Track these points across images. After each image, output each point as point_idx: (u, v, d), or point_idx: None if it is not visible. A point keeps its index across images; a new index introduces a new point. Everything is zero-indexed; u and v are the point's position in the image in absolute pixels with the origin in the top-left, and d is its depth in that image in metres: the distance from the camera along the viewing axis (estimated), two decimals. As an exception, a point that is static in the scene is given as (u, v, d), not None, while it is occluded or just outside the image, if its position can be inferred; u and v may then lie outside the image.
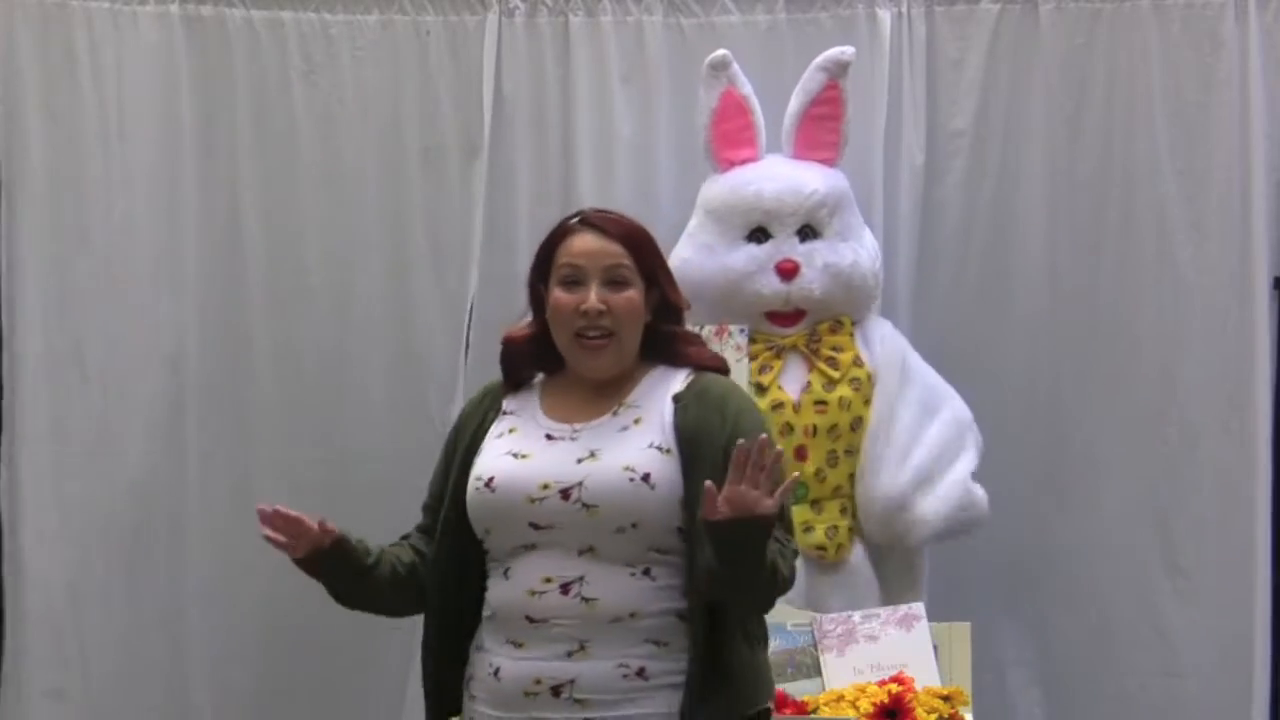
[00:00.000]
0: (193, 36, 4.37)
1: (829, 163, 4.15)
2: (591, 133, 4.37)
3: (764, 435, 2.50)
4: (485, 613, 2.75)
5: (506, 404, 2.82)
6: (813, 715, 3.46)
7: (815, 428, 4.00)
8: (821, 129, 4.13)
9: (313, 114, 4.39)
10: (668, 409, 2.72)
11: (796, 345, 4.06)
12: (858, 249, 4.11)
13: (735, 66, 4.14)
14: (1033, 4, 4.34)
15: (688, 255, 4.08)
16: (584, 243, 2.74)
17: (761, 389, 3.99)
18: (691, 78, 4.31)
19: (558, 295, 2.74)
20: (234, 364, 4.40)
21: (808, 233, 4.07)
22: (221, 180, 4.38)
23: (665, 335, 2.80)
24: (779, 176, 4.10)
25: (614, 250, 2.73)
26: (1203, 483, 4.29)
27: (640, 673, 2.63)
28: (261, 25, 4.39)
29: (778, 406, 3.99)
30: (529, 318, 2.85)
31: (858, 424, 4.04)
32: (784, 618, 3.54)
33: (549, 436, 2.74)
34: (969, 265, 4.38)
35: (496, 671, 2.68)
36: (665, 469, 2.66)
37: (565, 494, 2.66)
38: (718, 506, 2.49)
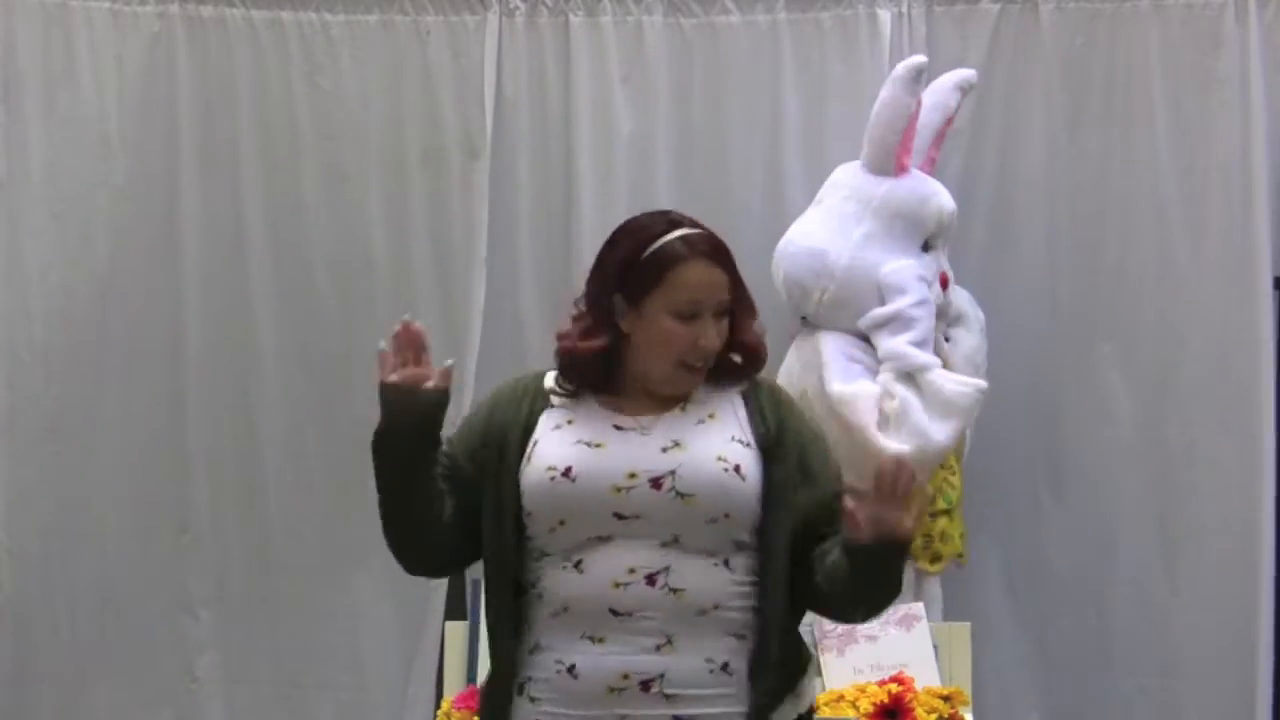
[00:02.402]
0: (193, 36, 4.37)
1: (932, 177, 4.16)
2: (591, 133, 4.37)
3: (902, 458, 2.54)
4: (546, 610, 2.63)
5: (554, 399, 2.72)
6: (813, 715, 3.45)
7: None
8: (937, 145, 4.15)
9: (313, 114, 4.40)
10: (739, 404, 2.71)
11: None
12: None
13: (930, 84, 4.14)
14: (1033, 4, 4.34)
15: (873, 254, 4.03)
16: (703, 274, 2.64)
17: None
18: (692, 78, 4.32)
19: (672, 326, 2.63)
20: (236, 363, 4.40)
21: (927, 246, 4.10)
22: (222, 180, 4.39)
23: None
24: (943, 190, 4.11)
25: (724, 282, 2.65)
26: (1203, 483, 4.28)
27: (725, 667, 2.60)
28: (261, 25, 4.39)
29: None
30: (574, 321, 2.71)
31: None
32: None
33: (618, 427, 2.66)
34: (968, 265, 4.37)
35: (572, 669, 2.58)
36: (750, 462, 2.62)
37: (656, 483, 2.59)
38: (860, 527, 2.48)
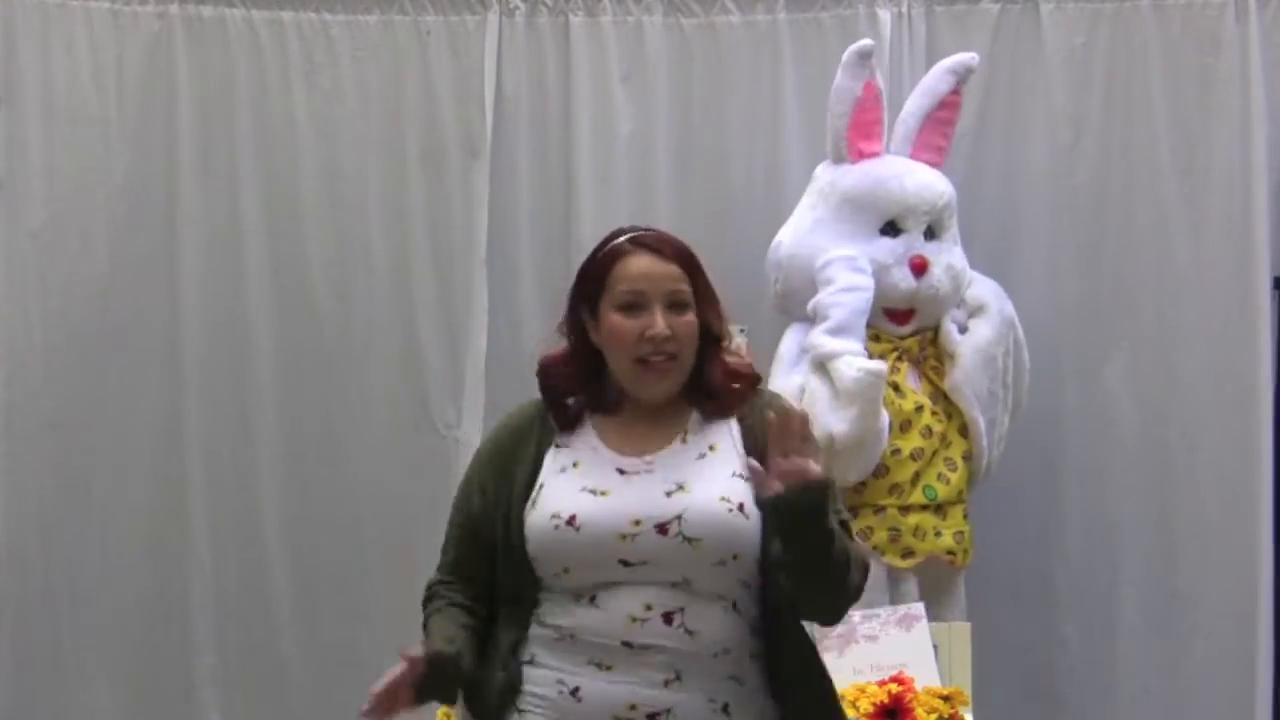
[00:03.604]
0: (193, 36, 4.37)
1: (936, 165, 4.14)
2: (591, 133, 4.37)
3: (789, 407, 2.50)
4: (550, 633, 2.62)
5: (558, 437, 2.70)
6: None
7: (931, 430, 4.04)
8: (937, 132, 4.14)
9: (313, 114, 4.40)
10: (735, 431, 2.69)
11: (910, 350, 4.08)
12: (962, 256, 4.15)
13: (882, 59, 4.17)
14: (1033, 4, 4.34)
15: (816, 241, 4.06)
16: (644, 265, 2.64)
17: (899, 389, 4.02)
18: (691, 78, 4.32)
19: (617, 320, 2.62)
20: (235, 363, 4.40)
21: (930, 233, 4.09)
22: (222, 180, 4.38)
23: (702, 364, 2.70)
24: (914, 173, 4.09)
25: (674, 273, 2.64)
26: (1204, 483, 4.29)
27: (725, 709, 2.60)
28: (261, 25, 4.39)
29: (919, 409, 4.03)
30: (552, 339, 2.74)
31: (964, 430, 4.08)
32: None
33: (621, 471, 2.64)
34: (970, 264, 4.36)
35: (575, 691, 2.57)
36: (749, 498, 2.60)
37: (662, 529, 2.57)
38: (770, 484, 2.47)
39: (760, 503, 2.53)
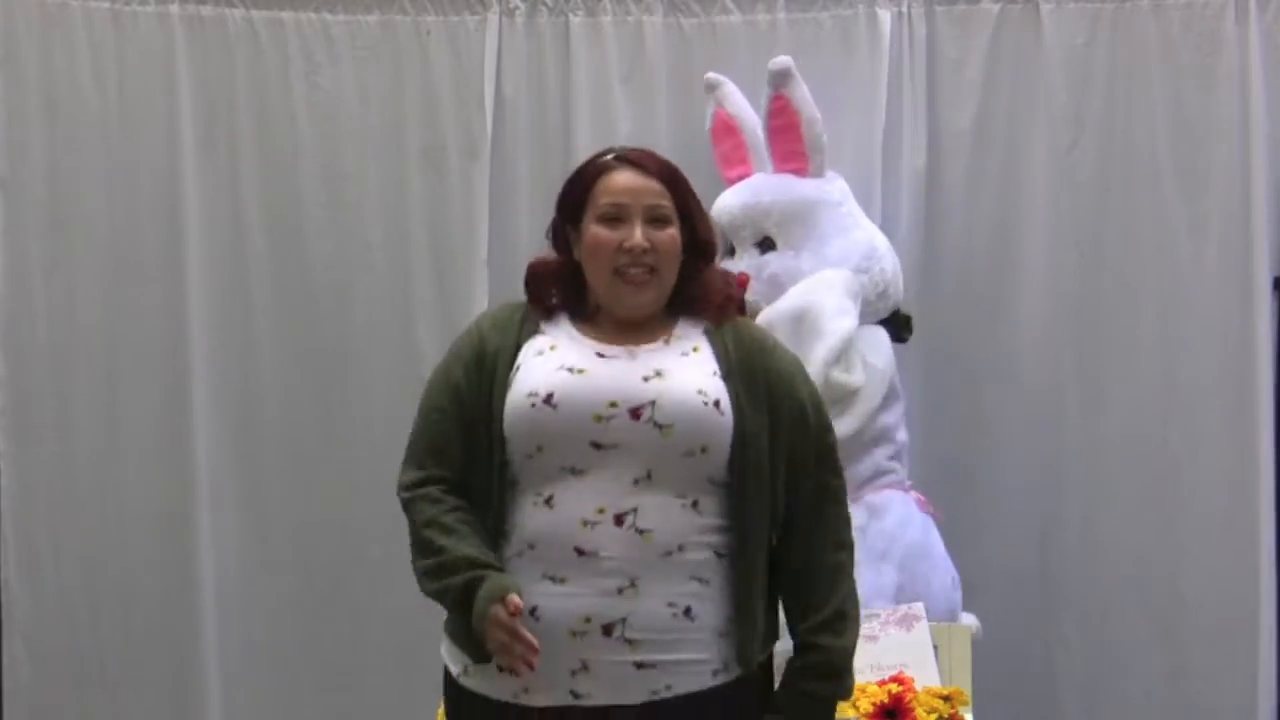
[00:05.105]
0: (193, 36, 4.37)
1: (801, 172, 4.12)
2: (591, 133, 4.37)
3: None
4: (512, 549, 2.61)
5: (540, 326, 2.73)
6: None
7: None
8: (784, 140, 4.11)
9: (313, 114, 4.40)
10: (705, 340, 2.70)
11: None
12: (817, 257, 4.04)
13: (725, 86, 4.19)
14: (1033, 4, 4.34)
15: None
16: (625, 180, 2.69)
17: None
18: (692, 78, 4.31)
19: (598, 232, 2.68)
20: (236, 364, 4.40)
21: (767, 245, 4.08)
22: (222, 180, 4.38)
23: (692, 278, 2.74)
24: (742, 191, 4.13)
25: (655, 188, 2.69)
26: (1205, 484, 4.28)
27: (687, 612, 2.59)
28: (262, 25, 4.39)
29: None
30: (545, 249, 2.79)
31: None
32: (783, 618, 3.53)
33: (601, 355, 2.66)
34: (970, 266, 4.37)
35: (534, 611, 2.56)
36: (728, 398, 2.63)
37: (635, 412, 2.58)
38: None
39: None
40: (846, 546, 2.74)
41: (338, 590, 4.40)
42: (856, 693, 3.46)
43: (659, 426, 2.58)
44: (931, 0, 4.36)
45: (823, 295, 3.90)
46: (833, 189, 4.14)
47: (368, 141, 4.41)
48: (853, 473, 3.48)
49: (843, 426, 3.56)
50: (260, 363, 4.41)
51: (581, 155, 4.32)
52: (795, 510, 2.69)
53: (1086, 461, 4.35)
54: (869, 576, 3.66)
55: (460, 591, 2.57)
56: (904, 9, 4.35)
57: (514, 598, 2.52)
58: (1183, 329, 4.30)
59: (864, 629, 3.60)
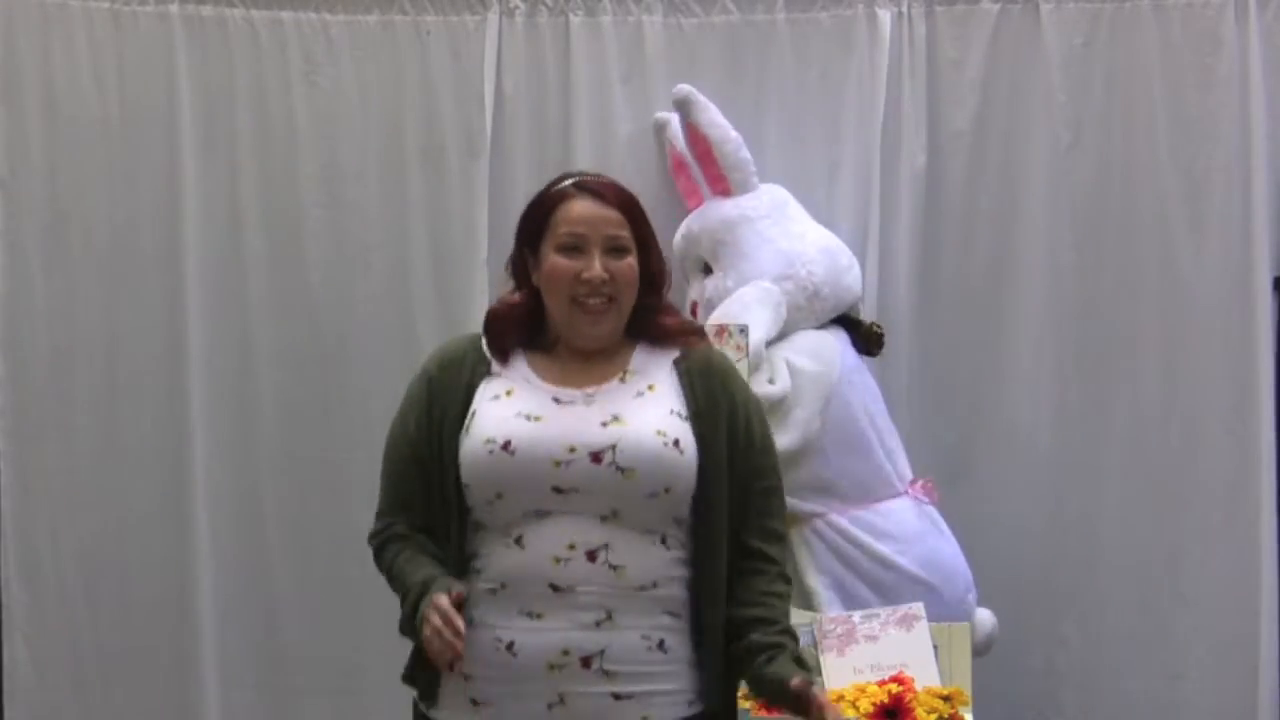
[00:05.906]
0: (193, 36, 4.37)
1: (726, 194, 4.13)
2: (591, 133, 4.37)
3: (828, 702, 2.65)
4: (484, 586, 2.64)
5: (492, 367, 2.75)
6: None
7: None
8: (705, 165, 4.15)
9: (313, 114, 4.39)
10: (672, 377, 2.71)
11: None
12: (738, 274, 4.04)
13: (673, 125, 4.22)
14: (1033, 4, 4.34)
15: None
16: (584, 209, 2.70)
17: None
18: (691, 78, 4.31)
19: (557, 261, 2.69)
20: (236, 363, 4.40)
21: (708, 270, 4.14)
22: (222, 180, 4.38)
23: (646, 308, 2.77)
24: (685, 222, 4.19)
25: (614, 217, 2.71)
26: (1205, 484, 4.28)
27: (661, 645, 2.61)
28: (261, 25, 4.39)
29: None
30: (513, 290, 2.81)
31: None
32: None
33: (557, 400, 2.68)
34: (970, 265, 4.37)
35: (510, 645, 2.59)
36: (688, 436, 2.64)
37: (596, 457, 2.60)
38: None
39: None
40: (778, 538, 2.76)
41: (337, 590, 4.39)
42: (856, 693, 3.46)
43: (621, 470, 2.61)
44: (931, 0, 4.36)
45: (734, 313, 3.92)
46: (758, 203, 4.14)
47: (367, 141, 4.41)
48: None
49: (782, 441, 3.55)
50: (260, 362, 4.40)
51: (581, 155, 4.37)
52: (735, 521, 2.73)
53: (1086, 461, 4.34)
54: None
55: (414, 611, 2.62)
56: (904, 9, 4.35)
57: (458, 587, 2.55)
58: (1183, 329, 4.29)
59: (864, 629, 3.63)
